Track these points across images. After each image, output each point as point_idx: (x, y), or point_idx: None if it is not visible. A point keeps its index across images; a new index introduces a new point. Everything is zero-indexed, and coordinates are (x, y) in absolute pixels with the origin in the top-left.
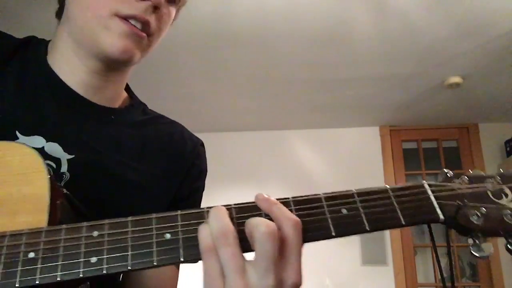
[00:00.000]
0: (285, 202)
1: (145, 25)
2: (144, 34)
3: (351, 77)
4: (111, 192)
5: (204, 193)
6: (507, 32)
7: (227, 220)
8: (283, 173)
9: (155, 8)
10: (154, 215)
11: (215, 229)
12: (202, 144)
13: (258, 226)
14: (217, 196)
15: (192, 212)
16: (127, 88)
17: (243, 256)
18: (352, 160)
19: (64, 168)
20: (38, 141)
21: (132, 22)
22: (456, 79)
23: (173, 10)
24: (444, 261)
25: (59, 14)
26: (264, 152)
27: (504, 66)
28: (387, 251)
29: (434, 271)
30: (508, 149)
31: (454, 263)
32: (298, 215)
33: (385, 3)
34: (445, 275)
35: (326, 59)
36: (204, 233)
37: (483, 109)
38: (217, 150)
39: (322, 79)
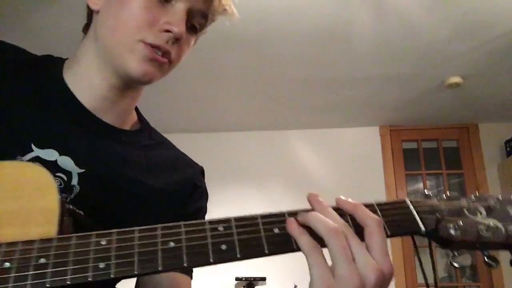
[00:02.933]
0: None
1: (166, 54)
2: (165, 60)
3: (351, 77)
4: (117, 205)
5: None
6: (507, 32)
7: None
8: (283, 173)
9: (177, 39)
10: (159, 226)
11: (328, 225)
12: (203, 171)
13: (374, 217)
14: (217, 196)
15: (195, 223)
16: (137, 110)
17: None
18: (352, 160)
19: (74, 181)
20: (52, 154)
21: (155, 50)
22: (456, 79)
23: (192, 39)
24: (443, 263)
25: (86, 29)
26: (264, 152)
27: (504, 66)
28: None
29: (434, 272)
30: (508, 149)
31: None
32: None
33: (385, 3)
34: (439, 276)
35: (326, 59)
36: (306, 238)
37: (483, 109)
38: (217, 150)
39: (322, 79)
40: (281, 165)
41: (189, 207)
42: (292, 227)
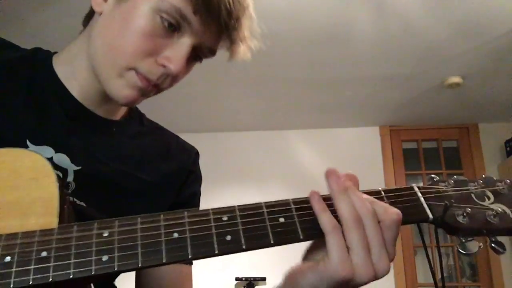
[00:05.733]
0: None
1: (156, 86)
2: (153, 89)
3: (351, 77)
4: (113, 201)
5: (204, 193)
6: (507, 32)
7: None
8: (283, 173)
9: (172, 76)
10: (162, 215)
11: (354, 209)
12: (197, 153)
13: (392, 214)
14: (217, 196)
15: (198, 213)
16: None
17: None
18: (352, 160)
19: (70, 178)
20: (48, 151)
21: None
22: (456, 79)
23: (193, 66)
24: (443, 261)
25: (86, 22)
26: (264, 152)
27: (504, 66)
28: None
29: (439, 256)
30: (508, 149)
31: (454, 263)
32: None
33: (385, 3)
34: (438, 276)
35: (326, 59)
36: (328, 216)
37: (483, 109)
38: (217, 150)
39: (322, 79)
40: (281, 165)
41: (184, 193)
42: (315, 199)
